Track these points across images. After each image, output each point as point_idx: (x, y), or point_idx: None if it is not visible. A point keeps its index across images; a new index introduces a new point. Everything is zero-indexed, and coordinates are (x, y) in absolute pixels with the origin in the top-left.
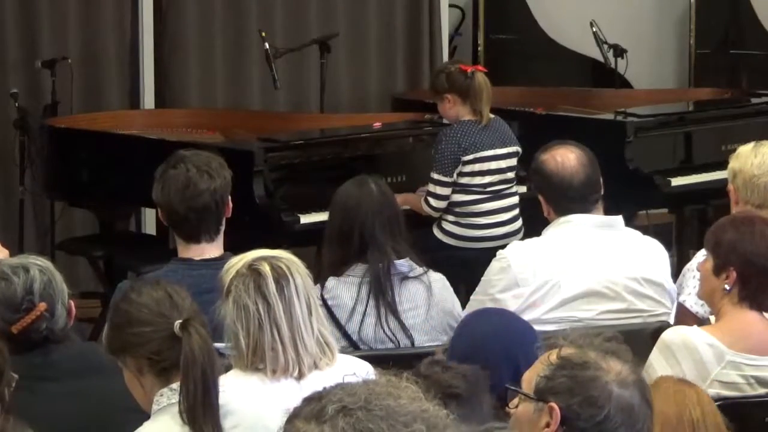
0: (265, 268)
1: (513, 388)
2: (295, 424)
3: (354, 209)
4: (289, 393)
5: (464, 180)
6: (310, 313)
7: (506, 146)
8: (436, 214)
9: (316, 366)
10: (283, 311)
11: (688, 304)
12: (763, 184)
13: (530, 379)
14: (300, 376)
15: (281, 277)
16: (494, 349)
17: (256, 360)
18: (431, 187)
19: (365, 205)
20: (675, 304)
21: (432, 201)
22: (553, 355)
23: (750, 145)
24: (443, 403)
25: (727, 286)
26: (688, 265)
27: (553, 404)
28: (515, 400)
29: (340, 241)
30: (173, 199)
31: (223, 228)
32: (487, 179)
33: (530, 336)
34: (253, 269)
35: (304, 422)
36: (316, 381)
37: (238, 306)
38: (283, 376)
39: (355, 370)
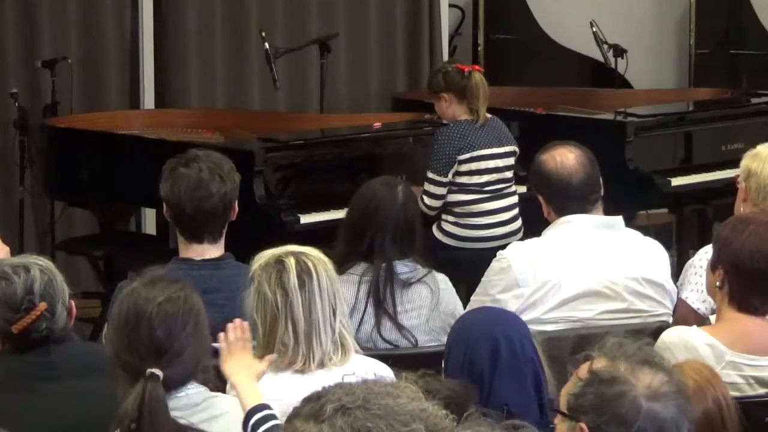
0: (290, 261)
1: (553, 408)
2: (294, 424)
3: (372, 214)
4: (295, 387)
5: (462, 179)
6: (333, 314)
7: (503, 145)
8: (431, 213)
9: (322, 363)
10: (302, 306)
11: (690, 301)
12: None
13: (565, 394)
14: (304, 370)
15: (304, 272)
16: (475, 329)
17: (268, 352)
18: (426, 186)
19: (384, 214)
20: (675, 304)
21: (427, 200)
22: (584, 370)
23: (765, 149)
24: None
25: (718, 283)
26: (690, 261)
27: (583, 424)
28: (558, 417)
29: (351, 239)
30: (183, 198)
31: (225, 230)
32: (484, 178)
33: (514, 322)
34: (278, 261)
35: (303, 422)
36: (325, 378)
37: (258, 295)
38: (289, 368)
39: (373, 371)
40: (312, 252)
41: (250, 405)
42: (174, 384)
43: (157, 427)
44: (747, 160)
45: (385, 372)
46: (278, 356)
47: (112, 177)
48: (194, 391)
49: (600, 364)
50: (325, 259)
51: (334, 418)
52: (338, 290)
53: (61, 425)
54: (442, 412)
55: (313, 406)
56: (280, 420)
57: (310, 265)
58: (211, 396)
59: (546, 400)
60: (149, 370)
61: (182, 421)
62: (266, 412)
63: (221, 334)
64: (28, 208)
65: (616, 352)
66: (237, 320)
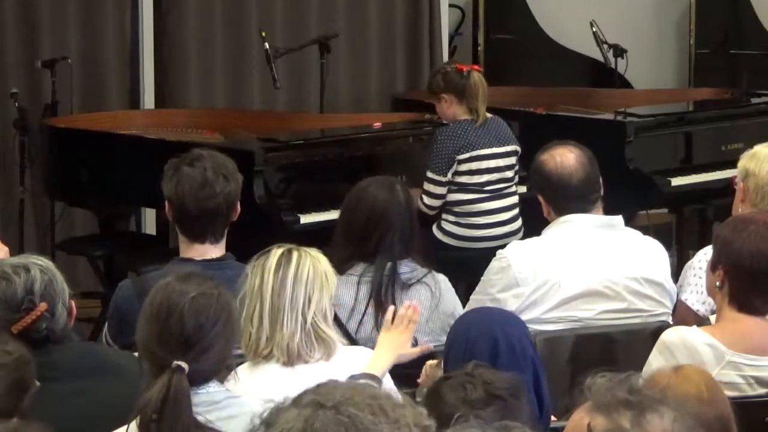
0: (277, 250)
1: None
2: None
3: (380, 215)
4: (274, 379)
5: (462, 179)
6: (307, 305)
7: (504, 145)
8: (430, 212)
9: (300, 357)
10: (272, 288)
11: (689, 302)
12: None
13: None
14: (270, 356)
15: (284, 258)
16: (475, 328)
17: (246, 336)
18: (426, 186)
19: (393, 215)
20: (675, 304)
21: (427, 199)
22: (579, 422)
23: (764, 149)
24: (485, 402)
25: (718, 283)
26: (689, 263)
27: None
28: None
29: (357, 241)
30: (187, 198)
31: (227, 230)
32: (485, 178)
33: (513, 322)
34: (268, 250)
35: (289, 407)
36: (307, 373)
37: (245, 277)
38: (255, 353)
39: (359, 359)
40: (311, 251)
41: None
42: (197, 380)
43: (180, 420)
44: (745, 161)
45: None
46: (246, 338)
47: (112, 177)
48: (215, 389)
49: (598, 423)
50: (322, 257)
51: (307, 409)
52: (326, 287)
53: (62, 425)
54: None
55: (302, 396)
56: None
57: (295, 254)
58: (231, 396)
59: (545, 400)
60: (175, 363)
61: (200, 418)
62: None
63: (391, 306)
64: (28, 208)
65: (610, 402)
66: (414, 301)
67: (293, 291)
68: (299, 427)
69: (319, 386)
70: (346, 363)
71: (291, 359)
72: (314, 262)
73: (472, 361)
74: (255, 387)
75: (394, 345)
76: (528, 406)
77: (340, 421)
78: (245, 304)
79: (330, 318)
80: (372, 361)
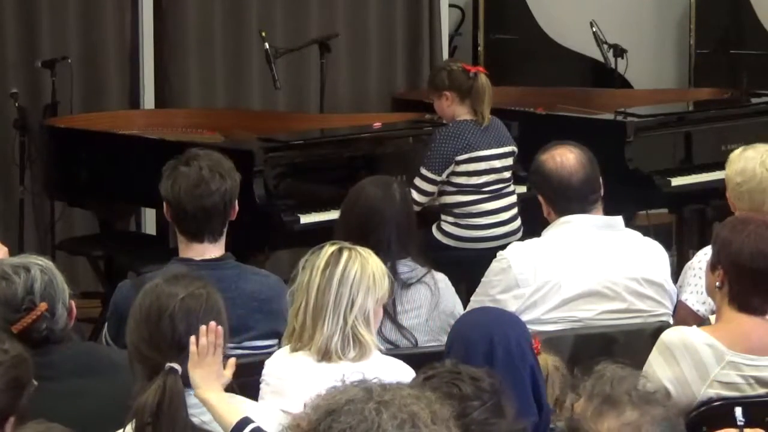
0: (330, 248)
1: None
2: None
3: (378, 214)
4: (303, 371)
5: (460, 180)
6: (350, 307)
7: (502, 146)
8: (416, 208)
9: (331, 358)
10: (318, 286)
11: (689, 303)
12: (746, 192)
13: None
14: (313, 354)
15: (333, 257)
16: (474, 330)
17: (288, 330)
18: (417, 181)
19: (389, 214)
20: (675, 304)
21: (415, 195)
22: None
23: (738, 150)
24: (477, 398)
25: (718, 284)
26: (689, 263)
27: None
28: None
29: (355, 240)
30: (183, 196)
31: (226, 230)
32: (483, 179)
33: (513, 323)
34: (321, 246)
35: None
36: (332, 371)
37: (299, 271)
38: (303, 349)
39: (389, 370)
40: (362, 249)
41: (231, 420)
42: (190, 381)
43: (175, 423)
44: (726, 170)
45: (406, 373)
46: (289, 331)
47: (112, 177)
48: None
49: (579, 404)
50: (373, 258)
51: (350, 389)
52: (372, 290)
53: (61, 425)
54: None
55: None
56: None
57: (345, 254)
58: None
59: (545, 402)
60: (168, 365)
61: (194, 420)
62: (253, 425)
63: (192, 337)
64: (28, 208)
65: (597, 393)
66: (211, 323)
67: (337, 292)
68: (339, 400)
69: (390, 383)
70: (372, 369)
71: (324, 358)
72: (363, 263)
73: (446, 359)
74: (289, 372)
75: (215, 380)
76: (511, 404)
77: (368, 417)
78: (295, 298)
79: (373, 320)
80: (221, 412)
